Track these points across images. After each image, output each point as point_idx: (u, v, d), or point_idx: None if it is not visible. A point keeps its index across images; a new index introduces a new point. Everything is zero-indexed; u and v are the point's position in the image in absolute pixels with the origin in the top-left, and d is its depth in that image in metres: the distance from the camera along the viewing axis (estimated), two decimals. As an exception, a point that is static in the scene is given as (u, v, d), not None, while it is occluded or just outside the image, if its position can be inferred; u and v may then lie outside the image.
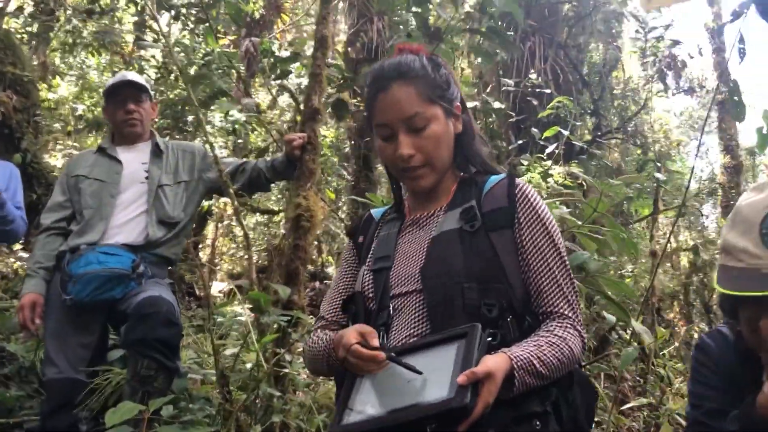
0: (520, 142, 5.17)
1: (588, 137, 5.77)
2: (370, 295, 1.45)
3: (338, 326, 1.51)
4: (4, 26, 6.32)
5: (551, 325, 1.36)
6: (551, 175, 4.51)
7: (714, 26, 10.48)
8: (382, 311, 1.42)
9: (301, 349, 2.56)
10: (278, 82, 6.02)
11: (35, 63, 9.82)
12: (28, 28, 8.48)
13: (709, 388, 1.40)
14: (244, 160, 3.08)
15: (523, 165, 4.85)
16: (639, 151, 6.53)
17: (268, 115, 7.51)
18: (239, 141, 8.15)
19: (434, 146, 1.43)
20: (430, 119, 1.42)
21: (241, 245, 11.06)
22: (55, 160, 9.91)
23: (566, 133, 4.50)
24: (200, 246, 10.27)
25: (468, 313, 1.31)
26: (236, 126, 7.53)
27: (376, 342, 1.28)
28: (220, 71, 6.16)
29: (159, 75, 8.04)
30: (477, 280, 1.33)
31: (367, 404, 1.23)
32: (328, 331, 1.50)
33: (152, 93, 3.01)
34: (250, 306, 2.52)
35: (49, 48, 9.57)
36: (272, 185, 3.10)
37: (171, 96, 7.60)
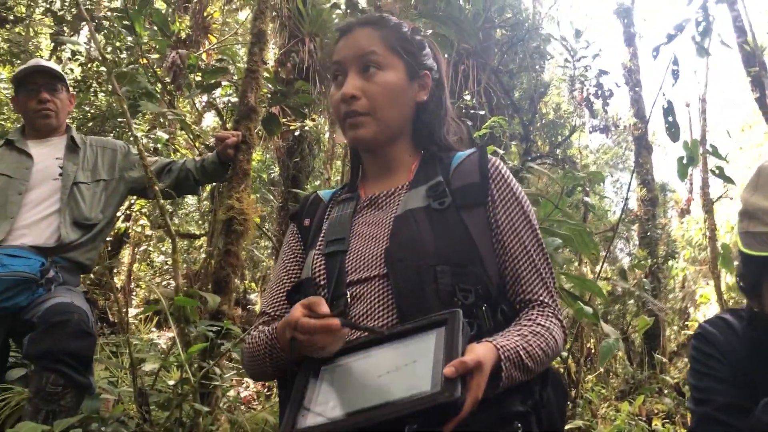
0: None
1: (517, 161, 5.81)
2: (322, 282, 1.26)
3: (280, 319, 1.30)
4: None
5: (532, 314, 1.22)
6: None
7: (630, 65, 10.93)
8: (337, 299, 1.23)
9: (229, 360, 2.33)
10: (204, 98, 5.78)
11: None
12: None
13: (717, 381, 1.28)
14: (171, 159, 2.85)
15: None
16: (569, 176, 6.62)
17: (195, 130, 7.21)
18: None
19: (383, 95, 1.29)
20: (385, 65, 1.30)
21: (159, 271, 10.55)
22: None
23: (501, 152, 4.47)
24: (115, 271, 9.73)
25: (441, 299, 1.15)
26: (158, 145, 7.20)
27: (325, 308, 1.07)
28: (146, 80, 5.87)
29: (78, 90, 7.64)
30: (450, 262, 1.17)
31: (327, 404, 1.02)
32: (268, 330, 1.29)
33: (68, 83, 2.74)
34: (175, 316, 2.28)
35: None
36: (200, 187, 2.87)
37: (91, 110, 7.22)
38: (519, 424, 1.12)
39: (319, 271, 1.27)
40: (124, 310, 7.41)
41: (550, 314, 1.23)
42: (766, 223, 1.09)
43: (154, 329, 7.72)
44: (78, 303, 2.29)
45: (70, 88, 2.84)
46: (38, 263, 2.33)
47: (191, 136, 4.20)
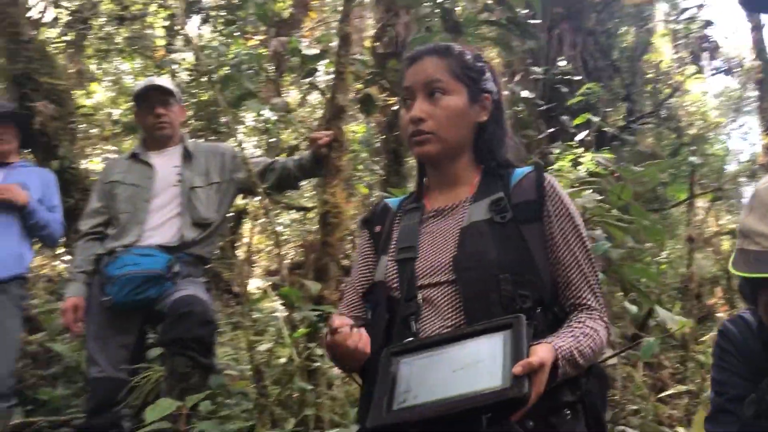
0: (551, 130, 5.13)
1: (621, 123, 5.69)
2: (395, 285, 1.44)
3: (357, 320, 1.51)
4: (41, 36, 6.48)
5: (581, 317, 1.37)
6: (581, 163, 4.47)
7: (750, 4, 10.19)
8: (409, 301, 1.42)
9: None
10: (307, 80, 6.07)
11: (72, 71, 10.08)
12: (64, 38, 8.69)
13: (732, 375, 1.39)
14: (274, 159, 3.13)
15: (553, 154, 4.82)
16: (674, 136, 6.39)
17: (299, 113, 7.57)
18: (272, 140, 8.23)
19: (446, 118, 1.45)
20: (449, 90, 1.46)
21: (278, 242, 11.17)
22: (93, 164, 10.18)
23: (596, 119, 4.45)
24: (237, 244, 10.42)
25: (503, 304, 1.32)
26: (268, 125, 7.63)
27: (338, 323, 1.30)
28: (250, 71, 6.24)
29: (191, 78, 8.18)
30: (511, 271, 1.34)
31: (410, 392, 1.22)
32: None
33: (180, 96, 3.07)
34: (282, 302, 2.57)
35: (84, 55, 9.77)
36: (301, 183, 3.14)
37: (204, 97, 7.72)
38: (568, 412, 1.30)
39: (392, 275, 1.46)
40: (246, 281, 8.00)
41: (597, 317, 1.38)
42: (757, 243, 1.17)
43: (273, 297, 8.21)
44: (200, 294, 2.64)
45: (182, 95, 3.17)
46: (165, 260, 2.69)
47: (294, 125, 4.50)
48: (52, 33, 8.93)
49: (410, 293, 1.41)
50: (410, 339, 1.35)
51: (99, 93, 11.18)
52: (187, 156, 2.97)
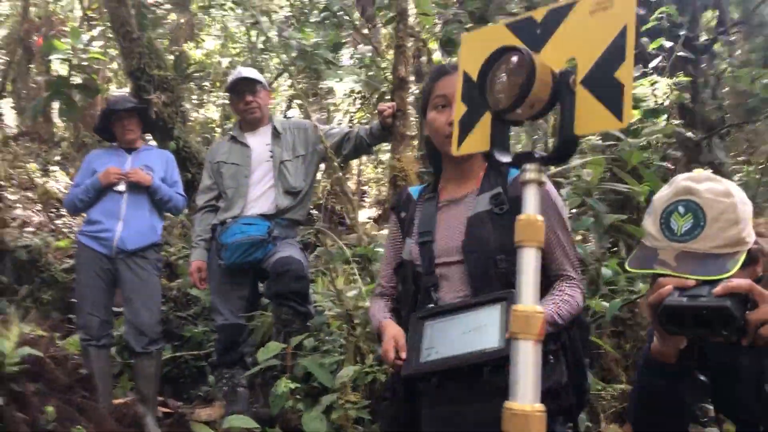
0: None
1: (707, 36, 5.52)
2: (418, 263, 1.85)
3: (391, 290, 1.96)
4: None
5: (562, 286, 1.74)
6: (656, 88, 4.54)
7: None
8: (429, 275, 1.83)
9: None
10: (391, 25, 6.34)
11: (181, 22, 10.82)
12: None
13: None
14: (349, 128, 3.55)
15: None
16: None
17: (388, 53, 7.84)
18: (370, 73, 8.59)
19: None
20: None
21: (384, 171, 11.72)
22: (210, 113, 11.02)
23: (668, 44, 4.49)
24: (347, 176, 11.07)
25: (501, 280, 1.71)
26: (365, 61, 7.99)
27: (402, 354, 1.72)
28: (335, 19, 6.60)
29: (290, 22, 8.62)
30: (507, 253, 1.71)
31: (432, 349, 1.69)
32: (382, 303, 1.96)
33: (266, 83, 3.53)
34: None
35: (191, 9, 10.39)
36: (374, 148, 3.55)
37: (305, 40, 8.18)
38: (551, 357, 1.69)
39: (416, 255, 1.88)
40: (353, 215, 8.60)
41: (575, 285, 1.74)
42: (648, 241, 1.45)
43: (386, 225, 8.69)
44: (296, 255, 3.17)
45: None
46: (265, 227, 3.24)
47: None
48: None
49: (430, 269, 1.83)
50: (431, 306, 1.78)
51: (208, 42, 11.89)
52: (276, 134, 3.45)
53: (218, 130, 10.45)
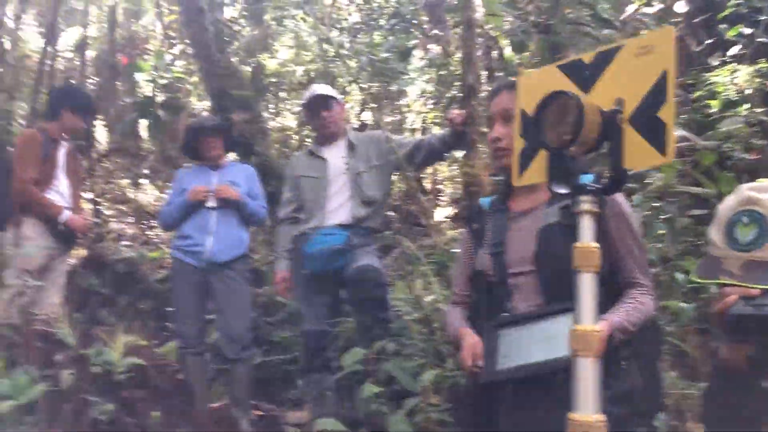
0: (708, 41, 5.01)
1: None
2: (491, 273, 1.93)
3: (466, 299, 2.05)
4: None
5: (633, 293, 1.78)
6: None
7: None
8: (502, 286, 1.91)
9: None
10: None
11: (256, 35, 11.17)
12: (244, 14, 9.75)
13: None
14: (420, 137, 3.65)
15: (710, 66, 4.77)
16: None
17: (458, 54, 7.88)
18: (441, 73, 8.66)
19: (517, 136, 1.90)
20: None
21: (459, 169, 11.73)
22: (287, 120, 11.35)
23: (748, 31, 4.36)
24: (422, 176, 11.14)
25: (571, 289, 1.78)
26: (436, 62, 8.09)
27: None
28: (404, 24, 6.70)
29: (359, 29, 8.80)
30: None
31: (508, 356, 1.77)
32: (458, 311, 2.05)
33: (340, 97, 3.68)
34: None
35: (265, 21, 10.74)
36: (446, 155, 3.65)
37: (376, 41, 8.34)
38: (624, 363, 1.75)
39: (489, 266, 1.96)
40: (429, 216, 8.67)
41: (645, 292, 1.79)
42: (711, 251, 1.47)
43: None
44: (374, 263, 3.30)
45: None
46: (344, 236, 3.38)
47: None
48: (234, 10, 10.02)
49: (503, 280, 1.91)
50: (505, 315, 1.86)
51: (281, 52, 12.23)
52: (351, 146, 3.59)
53: (295, 137, 10.78)
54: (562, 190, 1.13)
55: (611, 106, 1.00)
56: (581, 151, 1.03)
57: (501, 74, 6.60)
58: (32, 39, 11.92)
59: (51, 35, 6.33)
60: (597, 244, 1.06)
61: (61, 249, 4.06)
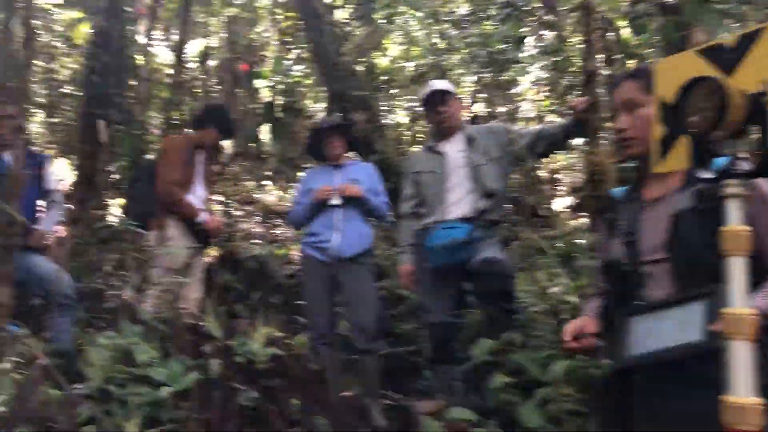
0: None
1: None
2: (625, 262, 1.92)
3: (602, 291, 2.04)
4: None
5: None
6: None
7: None
8: (636, 274, 1.90)
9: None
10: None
11: (367, 34, 11.39)
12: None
13: None
14: (540, 127, 3.62)
15: None
16: None
17: (573, 38, 7.69)
18: (556, 59, 8.49)
19: (642, 125, 1.85)
20: (643, 104, 1.85)
21: (579, 158, 11.42)
22: (399, 117, 11.50)
23: None
24: (538, 165, 10.95)
25: (705, 275, 1.73)
26: (550, 48, 7.95)
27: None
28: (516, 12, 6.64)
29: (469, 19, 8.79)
30: (710, 248, 1.73)
31: (644, 342, 1.76)
32: (593, 303, 2.05)
33: (456, 93, 3.72)
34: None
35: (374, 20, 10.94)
36: (567, 144, 3.60)
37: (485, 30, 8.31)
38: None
39: (623, 254, 1.95)
40: (548, 204, 8.53)
41: None
42: None
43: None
44: (498, 255, 3.32)
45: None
46: (466, 229, 3.42)
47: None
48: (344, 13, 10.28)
49: (636, 268, 1.89)
50: (638, 303, 1.84)
51: (392, 49, 12.40)
52: (470, 140, 3.62)
53: (407, 133, 10.90)
54: (707, 175, 1.12)
55: (756, 89, 0.98)
56: (725, 135, 1.02)
57: (619, 57, 6.40)
58: (161, 53, 12.77)
59: (180, 49, 6.77)
60: (747, 227, 1.05)
61: (199, 248, 4.36)
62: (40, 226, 3.98)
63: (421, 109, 3.83)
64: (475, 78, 8.59)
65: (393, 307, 5.14)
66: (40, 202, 4.11)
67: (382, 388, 3.93)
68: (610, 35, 6.49)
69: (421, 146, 4.01)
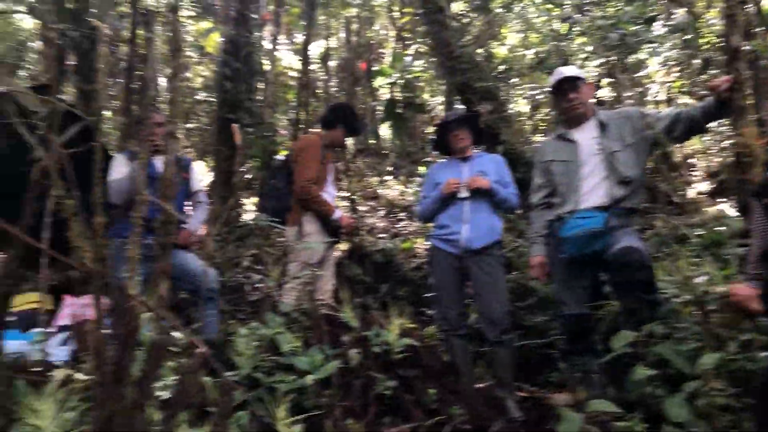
0: None
1: None
2: None
3: (758, 276, 1.94)
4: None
5: None
6: None
7: None
8: None
9: None
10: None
11: (484, 24, 11.29)
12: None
13: None
14: (678, 110, 3.45)
15: None
16: None
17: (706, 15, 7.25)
18: (687, 37, 8.04)
19: None
20: None
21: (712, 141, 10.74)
22: (519, 105, 11.31)
23: None
24: (669, 150, 10.37)
25: None
26: (681, 27, 7.55)
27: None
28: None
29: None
30: None
31: None
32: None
33: (585, 78, 3.61)
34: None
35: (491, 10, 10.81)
36: (708, 126, 3.41)
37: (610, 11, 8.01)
38: None
39: None
40: (682, 191, 8.09)
41: None
42: None
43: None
44: (636, 244, 3.20)
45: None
46: (602, 218, 3.32)
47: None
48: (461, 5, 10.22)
49: None
50: None
51: (510, 38, 12.22)
52: (602, 126, 3.52)
53: (529, 122, 10.71)
54: None
55: None
56: None
57: (760, 30, 5.97)
58: (284, 56, 13.30)
59: (305, 52, 7.02)
60: None
61: (332, 242, 4.52)
62: (188, 225, 4.28)
63: (550, 96, 3.76)
64: (600, 62, 8.28)
65: (521, 299, 5.08)
66: (186, 203, 4.43)
67: (515, 380, 3.91)
68: (749, 8, 6.07)
69: (547, 135, 3.93)
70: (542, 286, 4.91)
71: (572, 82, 3.54)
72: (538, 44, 10.88)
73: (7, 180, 3.94)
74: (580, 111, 3.56)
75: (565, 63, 7.68)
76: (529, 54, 10.85)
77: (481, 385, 3.85)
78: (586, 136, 3.54)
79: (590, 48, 8.16)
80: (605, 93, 9.41)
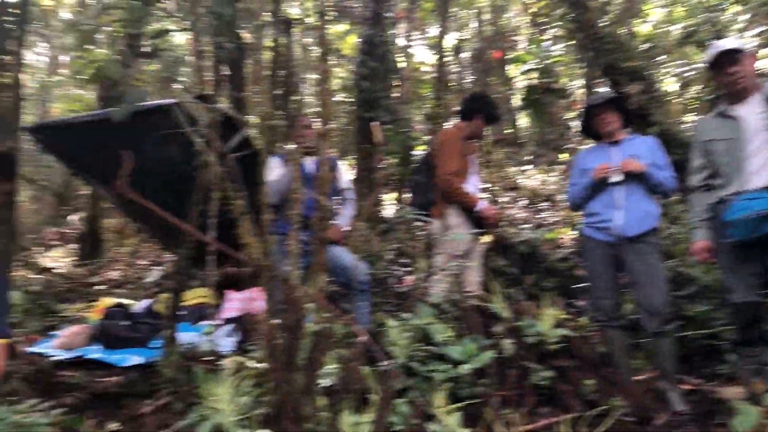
0: None
1: None
2: None
3: None
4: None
5: None
6: None
7: None
8: None
9: None
10: None
11: (624, 1, 10.78)
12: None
13: None
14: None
15: None
16: None
17: None
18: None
19: None
20: None
21: None
22: (666, 85, 10.68)
23: None
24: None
25: None
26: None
27: None
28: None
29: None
30: None
31: None
32: None
33: (746, 48, 3.36)
34: None
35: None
36: None
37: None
38: None
39: None
40: None
41: None
42: None
43: None
44: None
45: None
46: (772, 199, 3.08)
47: None
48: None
49: None
50: None
51: (653, 15, 11.60)
52: (769, 100, 3.26)
53: (678, 101, 10.08)
54: None
55: None
56: None
57: None
58: (418, 52, 13.43)
59: (440, 47, 7.05)
60: None
61: (477, 234, 4.53)
62: (338, 221, 4.46)
63: (706, 72, 3.53)
64: (759, 31, 7.65)
65: (680, 288, 4.81)
66: (334, 200, 4.61)
67: (678, 373, 3.72)
68: None
69: (700, 114, 3.69)
70: (703, 273, 4.63)
71: (732, 55, 3.31)
72: (686, 18, 10.23)
73: (176, 183, 4.31)
74: (742, 85, 3.32)
75: (719, 36, 7.17)
76: (675, 29, 10.24)
77: (640, 377, 3.70)
78: (750, 111, 3.30)
79: (746, 17, 7.55)
80: (765, 65, 8.68)
